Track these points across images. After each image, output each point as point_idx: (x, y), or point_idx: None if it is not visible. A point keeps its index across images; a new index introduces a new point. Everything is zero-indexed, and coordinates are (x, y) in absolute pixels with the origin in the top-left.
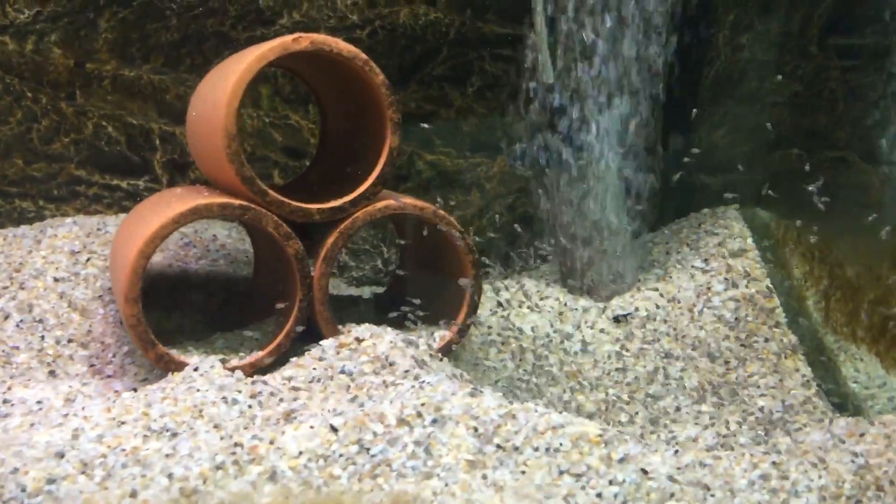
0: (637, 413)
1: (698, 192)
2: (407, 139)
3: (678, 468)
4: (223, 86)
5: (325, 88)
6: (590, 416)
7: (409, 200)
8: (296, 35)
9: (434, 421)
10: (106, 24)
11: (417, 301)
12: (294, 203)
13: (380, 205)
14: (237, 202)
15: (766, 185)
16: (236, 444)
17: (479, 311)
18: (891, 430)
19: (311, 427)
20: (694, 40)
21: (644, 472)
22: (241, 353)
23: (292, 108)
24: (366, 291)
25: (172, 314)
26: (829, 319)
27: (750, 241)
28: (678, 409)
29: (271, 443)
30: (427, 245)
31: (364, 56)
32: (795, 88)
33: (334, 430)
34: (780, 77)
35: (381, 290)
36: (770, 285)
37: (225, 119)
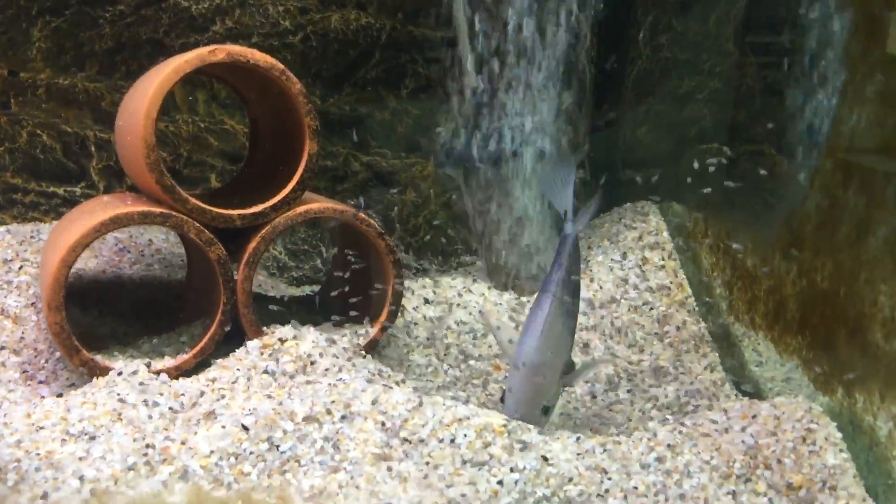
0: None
1: (623, 188)
2: (343, 141)
3: (578, 454)
4: (142, 97)
5: (252, 96)
6: None
7: (330, 204)
8: (212, 47)
9: (343, 417)
10: (39, 34)
11: (333, 294)
12: (215, 210)
13: (300, 209)
14: (158, 210)
15: (695, 182)
16: (148, 446)
17: (405, 308)
18: (780, 411)
19: (223, 426)
20: (616, 41)
21: (545, 458)
22: (168, 357)
23: (228, 112)
24: (305, 290)
25: (104, 319)
26: (733, 308)
27: (665, 234)
28: (594, 396)
29: (183, 443)
30: (355, 246)
31: (280, 66)
32: (714, 85)
33: (245, 428)
34: (699, 75)
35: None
36: (682, 276)
37: (144, 130)
